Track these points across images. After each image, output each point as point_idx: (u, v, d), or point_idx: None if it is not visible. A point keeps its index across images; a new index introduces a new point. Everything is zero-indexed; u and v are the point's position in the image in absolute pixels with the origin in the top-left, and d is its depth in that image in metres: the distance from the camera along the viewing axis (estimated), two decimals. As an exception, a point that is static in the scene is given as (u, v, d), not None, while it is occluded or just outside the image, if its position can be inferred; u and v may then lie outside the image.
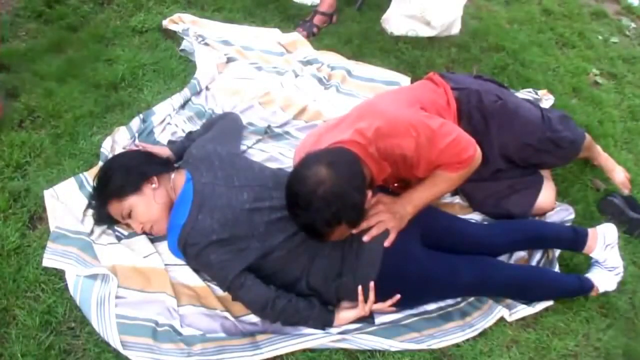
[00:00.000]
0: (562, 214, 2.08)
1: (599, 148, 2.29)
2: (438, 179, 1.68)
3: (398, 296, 1.61)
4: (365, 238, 1.60)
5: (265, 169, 1.81)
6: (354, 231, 1.58)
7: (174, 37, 2.61)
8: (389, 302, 1.62)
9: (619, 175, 2.25)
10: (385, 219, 1.63)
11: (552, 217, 2.06)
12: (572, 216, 2.08)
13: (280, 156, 2.12)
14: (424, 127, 1.60)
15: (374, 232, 1.61)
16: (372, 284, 1.60)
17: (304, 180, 1.44)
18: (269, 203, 1.62)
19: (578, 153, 2.10)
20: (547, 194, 2.04)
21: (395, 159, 1.63)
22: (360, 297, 1.60)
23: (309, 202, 1.42)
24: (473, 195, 2.05)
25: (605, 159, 2.29)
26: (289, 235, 1.59)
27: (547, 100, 2.67)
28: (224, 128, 1.99)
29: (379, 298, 1.61)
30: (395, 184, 1.80)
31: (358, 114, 1.71)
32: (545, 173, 2.13)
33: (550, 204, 2.06)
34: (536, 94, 2.65)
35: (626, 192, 2.24)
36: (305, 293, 1.61)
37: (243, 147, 2.10)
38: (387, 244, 1.60)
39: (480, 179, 1.93)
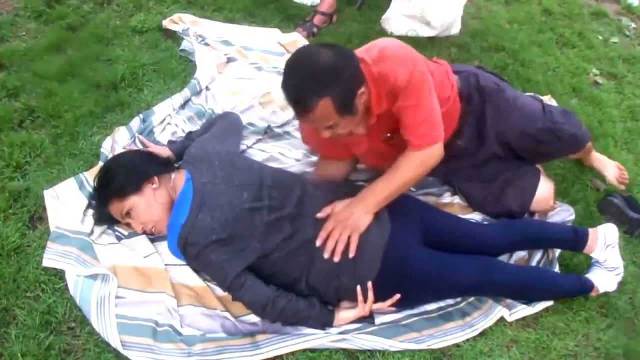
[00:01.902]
0: (563, 214, 2.08)
1: (592, 150, 2.29)
2: (396, 168, 1.65)
3: (398, 296, 1.61)
4: (325, 255, 1.58)
5: (265, 168, 1.81)
6: (326, 255, 1.57)
7: (174, 37, 2.61)
8: (389, 301, 1.62)
9: (611, 172, 2.25)
10: (339, 229, 1.60)
11: (553, 218, 2.06)
12: (573, 217, 2.08)
13: (280, 156, 2.12)
14: (421, 72, 1.60)
15: (329, 244, 1.59)
16: (369, 283, 1.60)
17: (306, 51, 1.57)
18: (268, 202, 1.62)
19: (581, 147, 2.07)
20: (544, 188, 2.02)
21: (388, 89, 1.60)
22: (360, 297, 1.60)
23: (306, 67, 1.49)
24: (472, 194, 2.05)
25: (596, 160, 2.28)
26: (287, 236, 1.59)
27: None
28: (224, 128, 1.99)
29: (379, 298, 1.61)
30: (388, 134, 1.77)
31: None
32: (542, 169, 2.11)
33: (549, 199, 2.03)
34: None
35: (622, 187, 2.23)
36: (305, 293, 1.61)
37: (243, 147, 2.10)
38: (351, 253, 1.58)
39: (476, 165, 1.96)
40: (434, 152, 1.65)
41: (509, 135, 1.93)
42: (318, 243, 1.60)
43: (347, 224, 1.60)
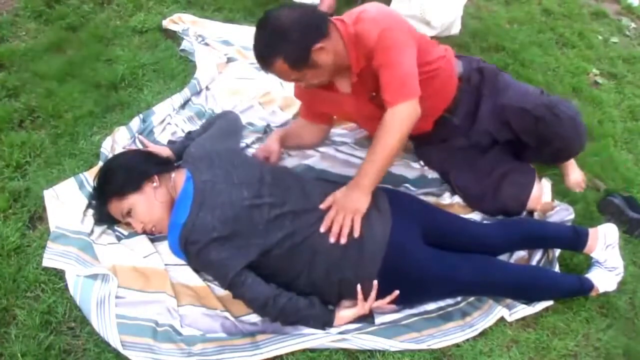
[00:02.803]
0: (562, 214, 2.08)
1: None
2: (376, 139, 1.66)
3: (397, 292, 1.61)
4: (332, 239, 1.60)
5: (265, 165, 1.81)
6: (332, 239, 1.59)
7: (174, 37, 2.61)
8: (388, 298, 1.62)
9: (574, 176, 2.24)
10: (341, 214, 1.62)
11: (553, 217, 2.06)
12: (572, 216, 2.08)
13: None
14: (393, 32, 1.65)
15: (334, 229, 1.61)
16: (375, 282, 1.60)
17: (269, 13, 1.68)
18: (268, 200, 1.62)
19: (580, 136, 1.96)
20: (542, 187, 2.04)
21: (363, 49, 1.67)
22: (360, 295, 1.60)
23: (262, 28, 1.65)
24: (468, 189, 2.04)
25: (569, 163, 2.26)
26: (288, 233, 1.59)
27: None
28: (223, 127, 1.99)
29: (379, 295, 1.62)
30: (373, 93, 1.79)
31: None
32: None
33: (539, 197, 2.04)
34: None
35: (577, 190, 2.23)
36: (306, 290, 1.61)
37: (242, 145, 2.10)
38: (355, 234, 1.60)
39: (470, 147, 1.99)
40: (408, 109, 1.63)
41: (507, 112, 1.93)
42: (322, 229, 1.61)
43: (348, 207, 1.62)
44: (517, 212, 2.01)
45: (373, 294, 1.60)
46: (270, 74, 1.69)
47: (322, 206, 1.66)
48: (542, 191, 2.06)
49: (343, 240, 1.60)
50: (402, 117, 1.63)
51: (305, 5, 2.98)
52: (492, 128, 1.98)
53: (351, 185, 1.67)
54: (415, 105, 1.64)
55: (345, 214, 1.62)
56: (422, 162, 2.20)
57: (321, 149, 2.15)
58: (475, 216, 2.05)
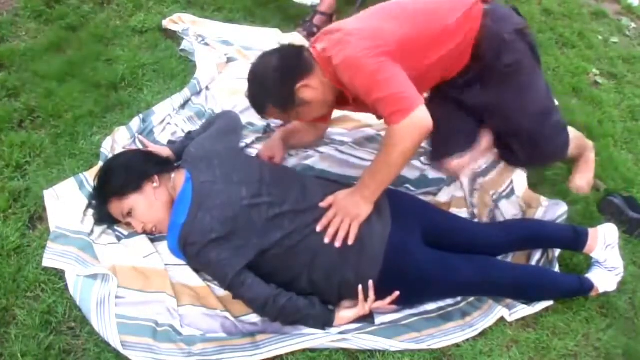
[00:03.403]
0: (555, 210, 2.06)
1: (591, 154, 2.30)
2: (381, 151, 1.63)
3: (397, 293, 1.61)
4: (326, 240, 1.60)
5: (264, 164, 1.81)
6: (326, 241, 1.59)
7: (174, 37, 2.61)
8: (388, 299, 1.62)
9: (581, 180, 2.25)
10: (340, 216, 1.62)
11: (545, 215, 2.05)
12: (565, 209, 2.05)
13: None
14: (357, 59, 1.58)
15: (330, 230, 1.61)
16: (370, 282, 1.60)
17: (255, 63, 1.72)
18: (267, 199, 1.62)
19: (555, 159, 2.13)
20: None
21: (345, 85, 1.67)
22: (361, 296, 1.60)
23: (250, 79, 1.71)
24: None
25: (588, 162, 2.27)
26: (287, 233, 1.59)
27: None
28: (223, 126, 1.99)
29: (380, 296, 1.62)
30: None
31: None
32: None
33: (520, 189, 2.10)
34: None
35: (576, 192, 2.23)
36: (306, 291, 1.61)
37: (242, 145, 2.10)
38: (350, 241, 1.60)
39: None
40: (412, 122, 1.55)
41: (497, 116, 1.97)
42: (319, 229, 1.61)
43: (349, 212, 1.62)
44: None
45: (371, 294, 1.60)
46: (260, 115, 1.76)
47: (322, 204, 1.66)
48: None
49: (337, 244, 1.59)
50: (405, 133, 1.55)
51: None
52: (482, 109, 1.99)
53: (354, 191, 1.66)
54: (420, 117, 1.55)
55: (344, 218, 1.61)
56: (422, 160, 2.20)
57: (321, 149, 2.15)
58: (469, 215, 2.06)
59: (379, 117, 1.77)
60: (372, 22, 1.72)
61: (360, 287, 1.60)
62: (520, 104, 1.93)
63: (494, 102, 1.94)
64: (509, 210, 2.07)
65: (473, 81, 1.91)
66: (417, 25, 1.72)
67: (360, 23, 1.73)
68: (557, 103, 2.62)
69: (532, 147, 2.02)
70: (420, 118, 1.55)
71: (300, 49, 1.72)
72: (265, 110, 1.70)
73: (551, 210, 2.06)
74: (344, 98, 1.75)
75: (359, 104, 1.73)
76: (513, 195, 2.11)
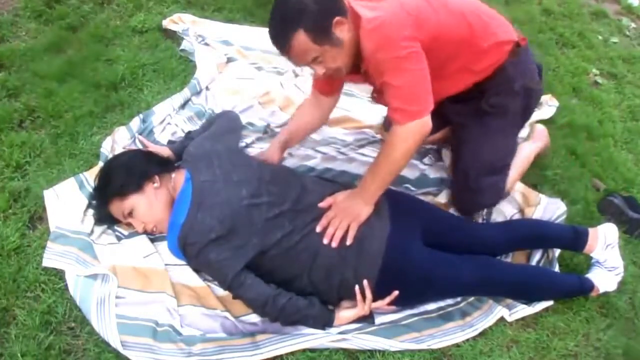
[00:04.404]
0: (552, 209, 2.06)
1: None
2: (382, 152, 1.63)
3: (396, 293, 1.61)
4: (325, 240, 1.59)
5: (264, 164, 1.81)
6: (325, 241, 1.59)
7: (174, 37, 2.61)
8: (388, 299, 1.62)
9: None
10: (339, 217, 1.61)
11: (543, 214, 2.05)
12: (564, 209, 2.06)
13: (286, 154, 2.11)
14: (396, 50, 1.50)
15: (330, 230, 1.60)
16: (365, 282, 1.60)
17: None
18: (267, 198, 1.62)
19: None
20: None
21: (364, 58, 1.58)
22: (359, 296, 1.60)
23: (278, 8, 1.52)
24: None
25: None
26: (286, 233, 1.59)
27: (550, 106, 2.65)
28: (223, 126, 1.99)
29: (380, 296, 1.62)
30: (375, 95, 1.77)
31: None
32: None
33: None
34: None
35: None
36: (306, 291, 1.61)
37: (242, 145, 2.10)
38: (348, 241, 1.59)
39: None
40: (416, 127, 1.54)
41: (460, 150, 1.91)
42: (318, 229, 1.61)
43: (348, 213, 1.62)
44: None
45: (368, 294, 1.60)
46: (286, 56, 1.57)
47: (321, 204, 1.66)
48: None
49: (334, 244, 1.59)
50: (407, 136, 1.55)
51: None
52: (452, 122, 1.98)
53: (355, 193, 1.66)
54: (425, 122, 1.55)
55: (343, 218, 1.61)
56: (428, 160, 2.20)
57: (322, 149, 2.15)
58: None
59: (375, 98, 1.76)
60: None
61: (357, 287, 1.60)
62: (480, 146, 1.87)
63: (463, 126, 1.93)
64: (505, 210, 2.08)
65: (460, 100, 1.89)
66: (461, 26, 1.68)
67: None
68: (554, 110, 2.60)
69: (462, 185, 1.96)
70: (424, 123, 1.54)
71: None
72: (293, 36, 1.49)
73: (550, 209, 2.06)
74: (355, 66, 1.64)
75: (369, 77, 1.67)
76: (507, 194, 2.11)
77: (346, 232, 1.60)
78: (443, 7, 1.66)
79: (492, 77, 1.81)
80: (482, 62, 1.77)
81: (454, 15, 1.68)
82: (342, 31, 1.52)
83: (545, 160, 2.38)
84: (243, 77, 2.48)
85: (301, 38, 1.50)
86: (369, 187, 1.64)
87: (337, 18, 1.50)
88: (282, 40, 1.53)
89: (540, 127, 2.34)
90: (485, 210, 2.02)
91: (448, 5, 1.68)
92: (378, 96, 1.76)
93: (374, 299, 1.62)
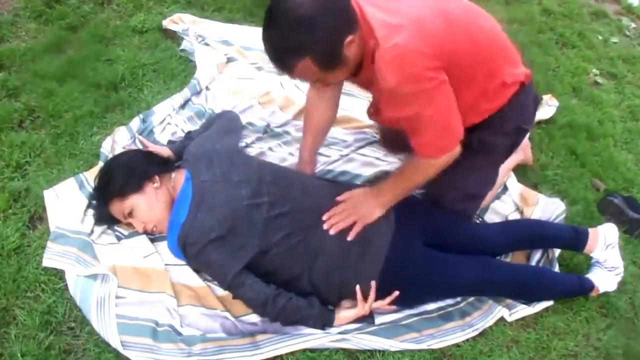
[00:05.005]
0: (551, 209, 2.06)
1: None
2: (403, 170, 1.61)
3: (396, 293, 1.61)
4: (332, 231, 1.60)
5: (264, 164, 1.81)
6: (325, 226, 1.59)
7: (174, 37, 2.61)
8: (388, 299, 1.62)
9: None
10: (348, 211, 1.62)
11: (542, 213, 2.05)
12: (563, 208, 2.06)
13: (290, 157, 2.11)
14: (420, 83, 1.36)
15: (333, 219, 1.61)
16: (373, 283, 1.60)
17: (283, 1, 1.30)
18: (267, 198, 1.62)
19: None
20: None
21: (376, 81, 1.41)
22: (359, 296, 1.60)
23: (279, 21, 1.30)
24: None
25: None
26: (287, 234, 1.59)
27: (550, 106, 2.65)
28: (223, 126, 1.99)
29: (380, 296, 1.62)
30: (372, 110, 1.68)
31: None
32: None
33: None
34: (540, 98, 2.63)
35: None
36: (306, 291, 1.61)
37: (242, 144, 2.10)
38: (350, 237, 1.60)
39: None
40: (444, 160, 1.50)
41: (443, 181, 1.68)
42: (324, 217, 1.61)
43: (358, 210, 1.62)
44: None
45: (372, 294, 1.60)
46: (288, 76, 1.42)
47: (339, 198, 1.66)
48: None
49: (332, 232, 1.59)
50: (436, 166, 1.52)
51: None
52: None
53: (371, 193, 1.66)
54: (455, 152, 1.48)
55: (352, 214, 1.62)
56: None
57: (324, 151, 2.14)
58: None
59: (372, 114, 1.70)
60: (434, 19, 1.43)
61: (357, 287, 1.60)
62: (460, 179, 1.73)
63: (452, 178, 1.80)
64: (502, 210, 2.08)
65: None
66: (473, 58, 1.51)
67: (422, 9, 1.43)
68: (554, 111, 2.60)
69: (433, 200, 1.87)
70: (454, 153, 1.48)
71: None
72: (297, 64, 1.32)
73: (549, 208, 2.06)
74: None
75: (363, 84, 1.58)
76: (503, 194, 2.12)
77: (349, 227, 1.61)
78: (463, 33, 1.48)
79: (487, 117, 1.69)
80: (485, 104, 1.64)
81: (467, 42, 1.50)
82: (352, 49, 1.37)
83: (545, 160, 2.38)
84: (243, 77, 2.47)
85: (307, 64, 1.34)
86: (385, 193, 1.64)
87: (348, 38, 1.33)
88: (282, 65, 1.37)
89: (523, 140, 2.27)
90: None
91: (467, 31, 1.51)
92: (376, 114, 1.68)
93: (374, 299, 1.62)
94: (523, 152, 2.26)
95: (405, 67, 1.35)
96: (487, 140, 1.70)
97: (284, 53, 1.35)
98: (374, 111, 1.73)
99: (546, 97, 2.67)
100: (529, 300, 1.80)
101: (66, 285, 1.58)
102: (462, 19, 1.51)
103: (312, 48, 1.30)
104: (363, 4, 1.41)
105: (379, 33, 1.36)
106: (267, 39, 1.35)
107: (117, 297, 1.56)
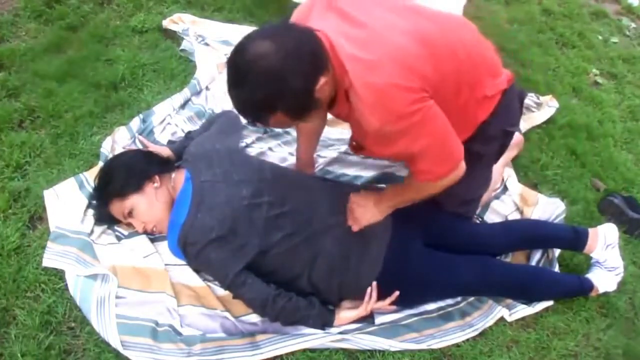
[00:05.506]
0: (551, 208, 2.06)
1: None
2: (408, 184, 1.57)
3: (397, 293, 1.61)
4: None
5: (264, 163, 1.81)
6: (354, 228, 1.60)
7: (174, 37, 2.61)
8: (388, 300, 1.62)
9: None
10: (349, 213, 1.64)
11: (544, 214, 2.05)
12: (563, 208, 2.06)
13: (290, 157, 2.11)
14: (403, 122, 1.28)
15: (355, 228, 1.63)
16: (374, 283, 1.60)
17: (244, 51, 1.21)
18: (267, 198, 1.62)
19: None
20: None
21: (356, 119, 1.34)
22: (367, 298, 1.60)
23: (245, 76, 1.21)
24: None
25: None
26: (287, 234, 1.59)
27: (550, 106, 2.65)
28: (223, 126, 2.00)
29: (380, 296, 1.62)
30: (354, 143, 1.61)
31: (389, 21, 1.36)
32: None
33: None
34: (538, 98, 2.63)
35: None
36: (306, 291, 1.61)
37: (242, 144, 2.10)
38: (354, 228, 1.63)
39: None
40: (447, 180, 1.43)
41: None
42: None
43: (354, 212, 1.63)
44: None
45: (374, 295, 1.60)
46: (255, 123, 1.37)
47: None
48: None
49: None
50: (438, 186, 1.45)
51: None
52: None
53: (373, 197, 1.65)
54: (459, 171, 1.41)
55: (350, 215, 1.63)
56: None
57: (323, 153, 2.14)
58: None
59: (354, 148, 1.61)
60: (411, 47, 1.32)
61: (368, 289, 1.60)
62: (453, 187, 1.56)
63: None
64: (502, 210, 2.08)
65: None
66: (453, 77, 1.41)
67: (396, 37, 1.33)
68: (554, 111, 2.59)
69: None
70: (458, 172, 1.42)
71: (311, 32, 1.28)
72: (267, 118, 1.27)
73: (548, 208, 2.06)
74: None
75: (338, 117, 1.51)
76: (503, 194, 2.12)
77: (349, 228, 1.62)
78: (444, 54, 1.40)
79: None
80: (470, 119, 1.56)
81: (449, 62, 1.41)
82: (325, 91, 1.29)
83: (545, 160, 2.38)
84: (243, 77, 2.47)
85: (279, 117, 1.27)
86: (387, 201, 1.64)
87: (320, 82, 1.25)
88: (254, 120, 1.32)
89: (516, 136, 2.20)
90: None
91: (448, 49, 1.42)
92: (359, 149, 1.60)
93: (375, 299, 1.62)
94: (517, 147, 2.27)
95: (387, 106, 1.27)
96: (475, 151, 1.58)
97: (253, 110, 1.28)
98: (357, 146, 1.62)
99: (546, 98, 2.66)
100: (529, 300, 1.80)
101: (66, 285, 1.58)
102: (439, 39, 1.40)
103: (283, 102, 1.23)
104: (331, 35, 1.30)
105: (352, 71, 1.28)
106: (235, 96, 1.26)
107: (117, 297, 1.56)
